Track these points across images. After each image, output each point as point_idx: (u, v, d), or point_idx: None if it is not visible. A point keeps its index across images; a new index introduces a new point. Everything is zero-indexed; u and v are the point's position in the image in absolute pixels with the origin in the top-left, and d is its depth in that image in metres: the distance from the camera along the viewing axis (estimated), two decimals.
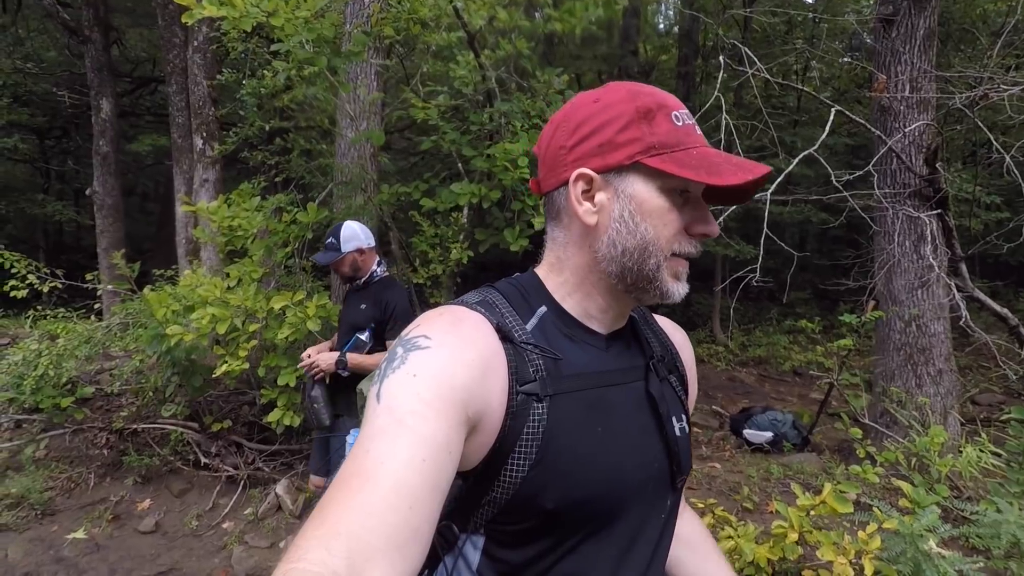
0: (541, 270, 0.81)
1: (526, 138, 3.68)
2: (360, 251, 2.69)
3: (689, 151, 0.70)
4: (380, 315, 2.68)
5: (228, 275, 3.77)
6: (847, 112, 3.50)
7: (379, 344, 2.72)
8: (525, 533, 0.71)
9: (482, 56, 4.19)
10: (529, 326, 0.75)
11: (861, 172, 3.42)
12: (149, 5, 7.27)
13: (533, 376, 0.70)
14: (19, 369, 4.01)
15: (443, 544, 0.75)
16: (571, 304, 0.79)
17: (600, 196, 0.73)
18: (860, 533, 2.00)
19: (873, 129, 3.95)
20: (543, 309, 0.77)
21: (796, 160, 3.07)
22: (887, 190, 3.88)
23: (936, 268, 3.33)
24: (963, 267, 3.67)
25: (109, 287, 5.41)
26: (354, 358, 2.65)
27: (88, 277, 4.67)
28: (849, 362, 5.22)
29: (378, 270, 2.78)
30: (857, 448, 2.98)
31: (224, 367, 3.40)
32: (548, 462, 0.68)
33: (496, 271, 13.66)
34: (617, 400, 0.75)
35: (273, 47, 3.33)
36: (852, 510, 2.17)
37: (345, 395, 2.74)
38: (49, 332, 4.32)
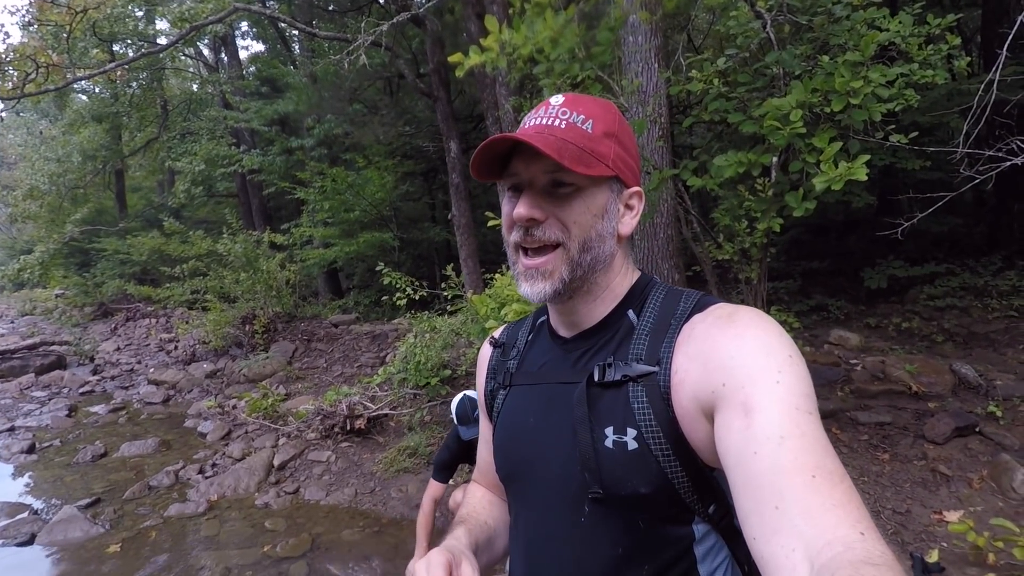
0: None
1: (800, 87, 3.17)
2: None
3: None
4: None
5: None
6: None
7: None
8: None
9: (758, 3, 3.74)
10: (525, 335, 0.90)
11: None
12: None
13: (503, 372, 0.88)
14: (405, 357, 5.51)
15: None
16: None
17: None
18: None
19: None
20: (543, 318, 0.89)
21: None
22: None
23: None
24: None
25: (464, 291, 6.85)
26: None
27: (442, 285, 6.06)
28: None
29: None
30: None
31: None
32: (496, 434, 0.88)
33: (837, 232, 11.54)
34: (561, 399, 0.78)
35: (535, 69, 3.73)
36: None
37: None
38: (422, 328, 5.82)
